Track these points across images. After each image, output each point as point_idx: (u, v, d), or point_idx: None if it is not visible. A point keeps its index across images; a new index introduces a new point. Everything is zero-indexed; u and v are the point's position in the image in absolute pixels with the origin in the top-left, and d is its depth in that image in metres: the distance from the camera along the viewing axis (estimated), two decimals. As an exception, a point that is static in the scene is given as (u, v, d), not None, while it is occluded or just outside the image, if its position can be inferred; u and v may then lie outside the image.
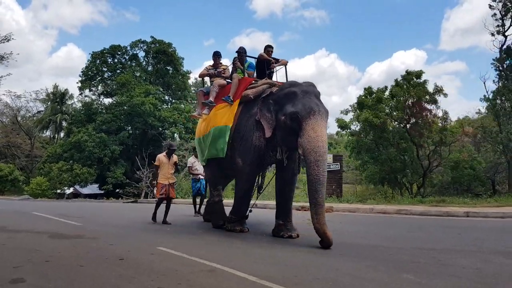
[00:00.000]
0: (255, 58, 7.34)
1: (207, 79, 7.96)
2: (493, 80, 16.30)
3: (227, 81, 7.35)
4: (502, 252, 4.88)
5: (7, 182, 30.86)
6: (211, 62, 7.77)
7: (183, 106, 34.24)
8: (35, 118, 43.49)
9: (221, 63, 7.69)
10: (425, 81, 15.40)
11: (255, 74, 7.28)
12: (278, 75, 7.36)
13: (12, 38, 17.51)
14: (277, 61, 7.25)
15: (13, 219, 9.56)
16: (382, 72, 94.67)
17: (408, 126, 15.67)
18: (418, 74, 15.41)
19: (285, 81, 6.89)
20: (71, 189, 32.97)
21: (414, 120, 15.18)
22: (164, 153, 8.08)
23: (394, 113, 15.65)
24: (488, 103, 16.94)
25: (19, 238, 6.25)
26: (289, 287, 3.38)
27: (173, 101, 36.53)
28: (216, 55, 7.64)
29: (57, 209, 12.60)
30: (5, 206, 15.49)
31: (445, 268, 3.98)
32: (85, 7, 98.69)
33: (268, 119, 5.87)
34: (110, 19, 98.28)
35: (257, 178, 6.86)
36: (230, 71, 7.53)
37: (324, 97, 16.49)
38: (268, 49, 7.18)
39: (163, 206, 8.06)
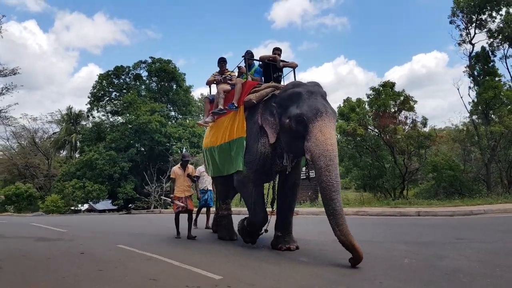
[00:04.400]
0: (257, 60, 7.03)
1: (214, 87, 7.73)
2: (469, 87, 17.08)
3: (231, 87, 7.03)
4: (409, 243, 5.91)
5: (24, 200, 32.73)
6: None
7: (187, 121, 35.65)
8: (51, 139, 45.75)
9: (227, 69, 7.51)
10: (399, 92, 16.35)
11: (262, 80, 6.94)
12: (287, 81, 6.89)
13: (18, 72, 18.97)
14: (285, 64, 6.91)
15: (11, 229, 11.21)
16: (401, 77, 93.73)
17: (382, 133, 16.56)
18: (392, 84, 16.38)
19: None
20: (86, 206, 34.78)
21: (381, 128, 16.07)
22: (178, 165, 7.85)
23: (369, 121, 16.59)
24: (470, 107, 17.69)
25: (9, 241, 7.71)
26: (203, 269, 4.54)
27: (179, 116, 38.01)
28: (222, 61, 7.47)
29: (55, 221, 14.25)
30: (11, 220, 17.21)
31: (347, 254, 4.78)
32: (107, 27, 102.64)
33: (271, 123, 5.52)
34: (132, 37, 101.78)
35: (267, 191, 6.48)
36: (236, 76, 7.29)
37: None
38: (276, 51, 6.87)
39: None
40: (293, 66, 6.88)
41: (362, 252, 4.49)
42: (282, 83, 6.72)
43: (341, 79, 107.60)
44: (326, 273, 4.41)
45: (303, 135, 5.01)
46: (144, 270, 4.76)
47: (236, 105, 6.29)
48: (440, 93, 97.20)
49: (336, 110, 6.14)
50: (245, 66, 6.88)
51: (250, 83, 6.42)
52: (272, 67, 6.69)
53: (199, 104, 43.15)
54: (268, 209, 6.29)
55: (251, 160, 5.80)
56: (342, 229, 4.57)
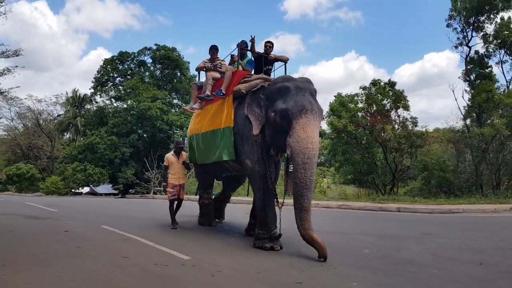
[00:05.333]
0: (249, 50, 6.85)
1: (203, 74, 7.58)
2: (464, 89, 17.26)
3: (221, 75, 6.87)
4: (376, 235, 6.25)
5: (25, 181, 33.37)
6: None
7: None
8: (56, 121, 46.32)
9: (218, 58, 7.37)
10: (396, 91, 16.55)
11: (253, 72, 6.80)
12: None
13: (21, 54, 19.14)
14: (276, 57, 6.80)
15: (6, 206, 11.69)
16: (412, 75, 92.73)
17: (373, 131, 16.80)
18: (393, 83, 16.58)
19: None
20: (87, 189, 35.40)
21: (371, 126, 16.32)
22: (172, 152, 7.65)
23: (360, 118, 16.83)
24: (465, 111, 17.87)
25: (0, 218, 8.04)
26: (174, 249, 4.93)
27: (182, 104, 38.21)
28: (213, 49, 7.31)
29: (49, 201, 14.79)
30: (9, 199, 17.78)
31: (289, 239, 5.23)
32: (118, 10, 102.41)
33: (257, 114, 5.46)
34: (143, 22, 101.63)
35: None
36: (228, 64, 7.17)
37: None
38: (267, 44, 6.72)
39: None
40: (285, 60, 6.83)
41: (324, 244, 4.59)
42: (272, 76, 6.63)
43: (351, 75, 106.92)
44: (285, 257, 4.75)
45: (286, 130, 5.01)
46: (119, 248, 5.13)
47: (224, 92, 6.20)
48: (451, 93, 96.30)
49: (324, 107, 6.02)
50: (237, 55, 6.81)
51: (240, 72, 6.35)
52: (263, 59, 6.61)
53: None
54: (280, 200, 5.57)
55: (250, 152, 5.66)
56: (303, 224, 4.75)
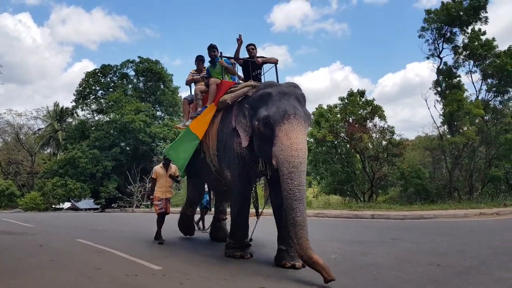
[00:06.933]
0: (231, 57, 6.51)
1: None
2: (436, 100, 17.97)
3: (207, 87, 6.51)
4: (345, 241, 6.58)
5: (4, 197, 32.64)
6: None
7: (173, 122, 35.89)
8: (36, 135, 45.57)
9: (204, 67, 7.11)
10: (369, 101, 17.12)
11: (239, 71, 6.64)
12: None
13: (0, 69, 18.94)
14: (264, 60, 6.49)
15: None
16: (395, 84, 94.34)
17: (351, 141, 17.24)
18: (362, 92, 17.16)
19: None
20: (68, 204, 34.80)
21: (349, 136, 16.79)
22: (160, 165, 7.45)
23: (339, 128, 17.30)
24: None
25: (-23, 234, 8.04)
26: (146, 260, 5.07)
27: (166, 117, 38.26)
28: (199, 60, 7.20)
29: (26, 217, 14.68)
30: None
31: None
32: (105, 22, 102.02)
33: (244, 125, 5.17)
34: (130, 35, 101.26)
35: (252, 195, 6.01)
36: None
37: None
38: (249, 47, 6.43)
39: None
40: (274, 62, 6.42)
41: (327, 265, 4.06)
42: (263, 80, 6.33)
43: (336, 85, 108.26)
44: (253, 265, 4.94)
45: (271, 139, 4.64)
46: (93, 260, 5.23)
47: None
48: (432, 103, 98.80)
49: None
50: (210, 61, 6.49)
51: (226, 83, 6.02)
52: (251, 64, 6.29)
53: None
54: (253, 211, 5.92)
55: (230, 162, 5.45)
56: (301, 243, 4.21)
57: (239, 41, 6.26)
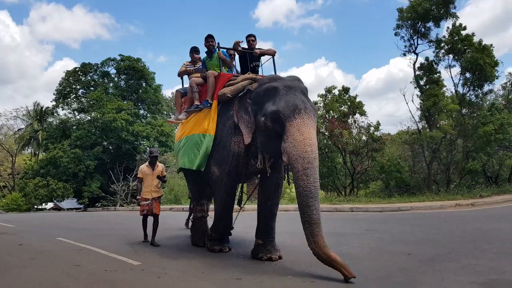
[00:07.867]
0: (230, 48, 6.36)
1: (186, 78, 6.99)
2: (416, 94, 18.39)
3: (203, 79, 6.31)
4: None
5: (-16, 199, 32.00)
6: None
7: (156, 120, 35.69)
8: (16, 135, 44.66)
9: (200, 58, 6.79)
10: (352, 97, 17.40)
11: (237, 64, 6.43)
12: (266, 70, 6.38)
13: None
14: (262, 51, 6.32)
15: None
16: (379, 79, 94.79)
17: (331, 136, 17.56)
18: (346, 89, 17.44)
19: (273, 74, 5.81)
20: (51, 204, 34.32)
21: (329, 132, 17.11)
22: (147, 163, 7.01)
23: (320, 124, 17.54)
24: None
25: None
26: (125, 256, 5.13)
27: (148, 115, 37.98)
28: (194, 51, 6.78)
29: (6, 217, 14.52)
30: None
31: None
32: (86, 19, 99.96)
33: (246, 122, 4.99)
34: (113, 32, 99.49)
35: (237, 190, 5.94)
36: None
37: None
38: (249, 38, 6.26)
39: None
40: (271, 53, 6.29)
41: (346, 264, 4.02)
42: (260, 73, 6.20)
43: (321, 81, 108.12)
44: (231, 258, 5.09)
45: (280, 134, 4.51)
46: (73, 258, 5.27)
47: (211, 102, 5.71)
48: (411, 98, 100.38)
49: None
50: (206, 52, 6.27)
51: (224, 75, 5.79)
52: (249, 56, 6.12)
53: (170, 103, 43.07)
54: (236, 206, 5.87)
55: (222, 160, 5.31)
56: (317, 240, 4.16)
57: (237, 44, 6.25)
